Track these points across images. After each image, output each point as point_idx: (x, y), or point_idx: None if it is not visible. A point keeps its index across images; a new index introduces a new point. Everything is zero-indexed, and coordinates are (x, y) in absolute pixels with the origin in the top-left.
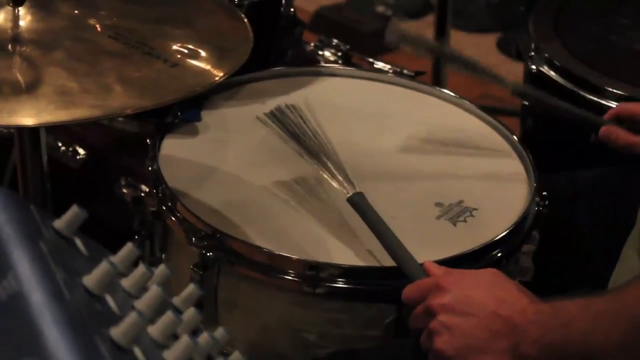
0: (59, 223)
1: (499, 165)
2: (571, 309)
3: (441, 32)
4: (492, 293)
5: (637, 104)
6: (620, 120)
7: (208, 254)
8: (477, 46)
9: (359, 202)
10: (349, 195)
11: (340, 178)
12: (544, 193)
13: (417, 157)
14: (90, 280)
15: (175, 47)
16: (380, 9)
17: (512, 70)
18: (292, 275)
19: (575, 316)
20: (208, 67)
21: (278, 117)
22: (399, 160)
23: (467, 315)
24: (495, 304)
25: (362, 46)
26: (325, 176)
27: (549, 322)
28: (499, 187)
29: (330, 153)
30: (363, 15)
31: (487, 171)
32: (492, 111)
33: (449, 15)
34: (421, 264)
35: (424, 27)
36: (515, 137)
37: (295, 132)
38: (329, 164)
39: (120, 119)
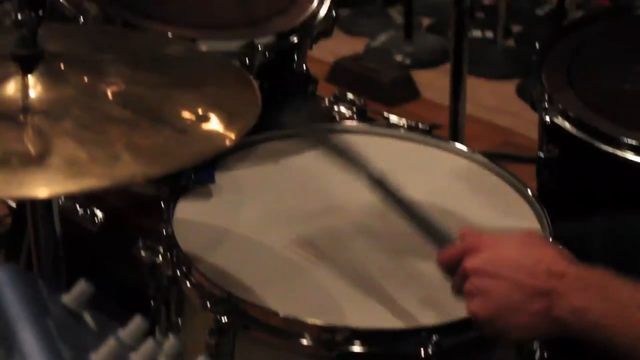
0: (67, 298)
1: (514, 221)
2: (624, 295)
3: (457, 79)
4: (529, 252)
5: None
6: None
7: (223, 319)
8: (496, 93)
9: (381, 180)
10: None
11: None
12: (560, 247)
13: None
14: (98, 357)
15: (184, 112)
16: (398, 58)
17: (532, 118)
18: (308, 339)
19: (630, 301)
20: (217, 132)
21: None
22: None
23: (501, 277)
24: (532, 264)
25: (381, 95)
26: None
27: (592, 293)
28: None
29: None
30: (382, 64)
31: (502, 227)
32: (511, 159)
33: (465, 63)
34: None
35: (442, 76)
36: (530, 192)
37: None
38: None
39: None
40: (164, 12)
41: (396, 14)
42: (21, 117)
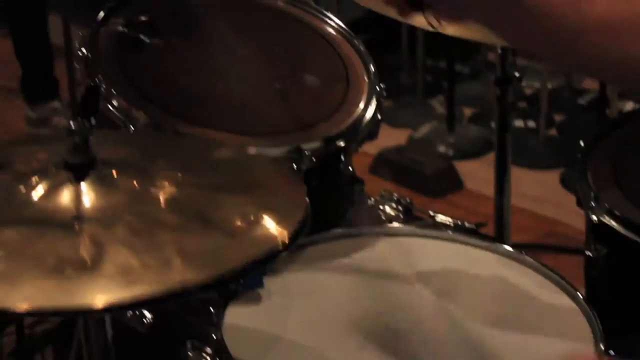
0: None
1: (564, 327)
2: None
3: (502, 169)
4: None
5: None
6: None
7: None
8: (540, 183)
9: None
10: None
11: None
12: (612, 352)
13: (479, 323)
14: None
15: (233, 215)
16: (441, 149)
17: (578, 210)
18: None
19: None
20: (267, 234)
21: None
22: (461, 328)
23: None
24: None
25: (424, 187)
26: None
27: None
28: (565, 351)
29: None
30: (424, 156)
31: (551, 334)
32: (556, 250)
33: (509, 153)
34: None
35: (485, 166)
36: (580, 294)
37: None
38: None
39: None
40: (212, 119)
41: (438, 105)
42: (75, 225)
